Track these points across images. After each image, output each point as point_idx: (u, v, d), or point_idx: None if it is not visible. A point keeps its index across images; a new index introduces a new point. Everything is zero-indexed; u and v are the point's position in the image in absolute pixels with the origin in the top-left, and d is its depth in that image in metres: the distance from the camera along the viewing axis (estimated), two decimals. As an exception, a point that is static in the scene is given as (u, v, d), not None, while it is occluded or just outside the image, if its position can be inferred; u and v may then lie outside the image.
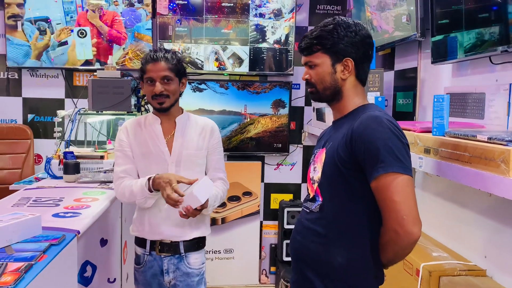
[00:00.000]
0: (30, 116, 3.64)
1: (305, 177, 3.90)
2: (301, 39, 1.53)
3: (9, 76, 3.60)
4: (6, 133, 3.45)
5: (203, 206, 1.83)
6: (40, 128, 3.64)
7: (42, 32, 3.43)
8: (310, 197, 1.55)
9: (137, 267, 2.04)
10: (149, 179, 1.85)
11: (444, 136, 1.62)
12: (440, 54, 2.10)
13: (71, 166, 2.52)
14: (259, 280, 3.92)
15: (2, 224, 1.40)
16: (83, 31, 3.47)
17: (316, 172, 1.52)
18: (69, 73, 3.62)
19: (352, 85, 1.50)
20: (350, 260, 1.42)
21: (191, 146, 2.00)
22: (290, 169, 3.92)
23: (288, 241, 3.66)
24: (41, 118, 3.64)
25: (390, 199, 1.31)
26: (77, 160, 2.58)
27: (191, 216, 1.84)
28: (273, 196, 3.94)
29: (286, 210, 3.71)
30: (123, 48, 3.53)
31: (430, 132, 1.74)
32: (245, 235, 3.83)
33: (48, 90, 3.63)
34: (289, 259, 3.66)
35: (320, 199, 1.48)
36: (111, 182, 2.51)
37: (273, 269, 3.94)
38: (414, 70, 2.56)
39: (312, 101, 3.68)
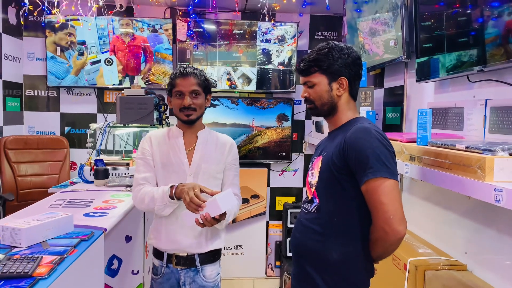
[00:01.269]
0: (66, 129, 3.67)
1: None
2: (299, 62, 1.53)
3: (49, 94, 3.64)
4: (46, 143, 3.48)
5: (221, 217, 1.65)
6: (75, 139, 3.67)
7: (80, 53, 3.51)
8: (308, 199, 1.53)
9: (154, 277, 1.86)
10: (172, 186, 1.70)
11: (427, 145, 1.60)
12: (424, 74, 2.09)
13: (101, 172, 2.53)
14: (266, 273, 3.89)
15: (39, 222, 1.40)
16: (109, 59, 3.53)
17: (313, 177, 1.51)
18: (100, 92, 3.66)
19: (346, 100, 1.50)
20: (344, 256, 1.40)
21: (210, 160, 1.84)
22: (293, 175, 3.90)
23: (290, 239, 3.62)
24: (76, 130, 3.68)
25: (379, 201, 1.29)
26: (106, 167, 2.59)
27: (207, 225, 1.65)
28: (278, 198, 3.91)
29: (289, 211, 3.69)
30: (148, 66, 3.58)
31: (415, 142, 1.72)
32: (253, 233, 3.80)
33: (82, 106, 3.67)
34: (291, 254, 3.62)
35: (317, 201, 1.47)
36: (135, 186, 2.52)
37: (278, 263, 3.90)
38: (401, 87, 2.55)
39: (311, 115, 3.66)
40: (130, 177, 2.57)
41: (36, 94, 3.62)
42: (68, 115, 3.67)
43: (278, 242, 3.90)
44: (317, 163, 1.50)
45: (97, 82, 3.54)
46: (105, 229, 1.60)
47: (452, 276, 1.72)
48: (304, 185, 3.89)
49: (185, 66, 1.86)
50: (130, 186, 2.50)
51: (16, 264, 1.17)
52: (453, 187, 1.35)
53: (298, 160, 3.88)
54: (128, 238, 2.23)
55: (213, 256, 1.85)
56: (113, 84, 3.55)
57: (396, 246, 1.34)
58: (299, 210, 3.64)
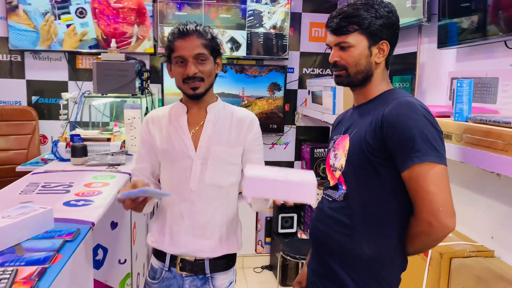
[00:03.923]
0: (34, 98, 3.28)
1: (297, 155, 3.68)
2: (332, 17, 1.25)
3: (12, 59, 3.23)
4: (10, 115, 3.11)
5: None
6: (45, 109, 3.30)
7: (62, 9, 3.03)
8: (331, 184, 1.32)
9: (151, 281, 1.53)
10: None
11: (467, 121, 1.41)
12: (447, 39, 1.87)
13: (78, 149, 2.23)
14: (255, 250, 3.74)
15: (11, 221, 1.10)
16: (82, 10, 3.07)
17: (337, 159, 1.30)
18: (72, 56, 3.26)
19: (382, 69, 1.27)
20: (377, 251, 1.22)
21: (223, 141, 1.47)
22: (284, 148, 3.69)
23: (283, 215, 3.47)
24: (45, 100, 3.30)
25: (425, 190, 1.10)
26: (84, 143, 2.29)
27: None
28: (268, 173, 3.71)
29: (281, 186, 3.50)
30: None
31: (447, 116, 1.52)
32: (243, 208, 3.60)
33: (51, 73, 3.27)
34: (284, 231, 3.48)
35: (344, 187, 1.26)
36: (119, 164, 2.24)
37: (268, 240, 3.75)
38: (413, 55, 2.33)
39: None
40: (112, 155, 2.29)
41: (-4, 58, 3.21)
42: (35, 82, 3.27)
43: (268, 218, 3.73)
44: (343, 143, 1.29)
45: (66, 41, 3.12)
46: (93, 224, 1.33)
47: (481, 264, 1.58)
48: (296, 159, 3.70)
49: (185, 22, 1.43)
50: (113, 165, 2.23)
51: (-17, 280, 0.91)
52: (510, 172, 1.17)
53: (290, 133, 3.66)
54: (114, 225, 1.98)
55: (227, 262, 1.54)
56: (89, 47, 3.14)
57: (440, 241, 1.17)
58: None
